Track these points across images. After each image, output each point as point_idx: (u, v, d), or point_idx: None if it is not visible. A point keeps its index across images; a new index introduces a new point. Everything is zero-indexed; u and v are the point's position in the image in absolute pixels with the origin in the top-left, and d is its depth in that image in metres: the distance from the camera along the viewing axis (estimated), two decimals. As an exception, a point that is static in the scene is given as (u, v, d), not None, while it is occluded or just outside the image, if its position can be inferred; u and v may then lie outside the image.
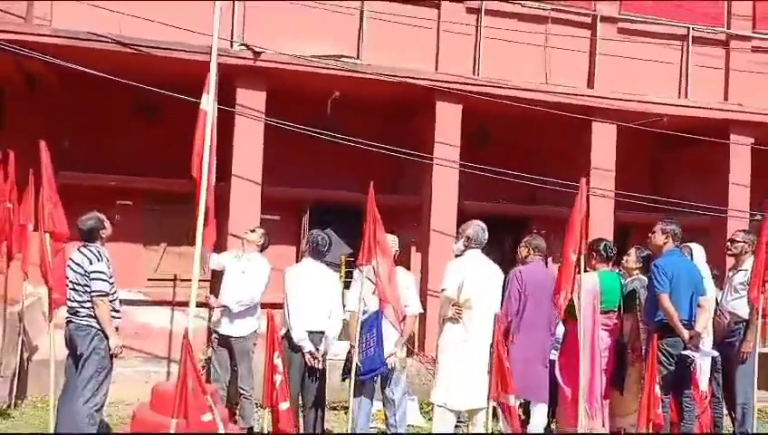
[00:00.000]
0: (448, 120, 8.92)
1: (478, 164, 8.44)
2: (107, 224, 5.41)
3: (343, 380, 5.93)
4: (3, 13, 7.59)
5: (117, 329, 5.35)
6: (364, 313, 5.65)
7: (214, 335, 6.49)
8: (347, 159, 8.55)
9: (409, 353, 7.04)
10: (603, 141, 9.40)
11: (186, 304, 8.10)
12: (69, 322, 5.26)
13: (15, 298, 7.16)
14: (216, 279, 8.49)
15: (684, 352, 5.51)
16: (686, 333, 5.50)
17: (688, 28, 9.91)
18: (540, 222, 10.22)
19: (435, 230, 8.91)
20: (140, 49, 7.62)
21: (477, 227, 5.73)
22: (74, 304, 5.21)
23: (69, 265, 5.18)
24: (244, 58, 8.05)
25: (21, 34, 7.41)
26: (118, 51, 7.63)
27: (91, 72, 7.24)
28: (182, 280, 8.89)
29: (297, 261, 9.47)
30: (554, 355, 6.15)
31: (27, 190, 6.65)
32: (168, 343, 8.72)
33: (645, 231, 6.67)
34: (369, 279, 5.53)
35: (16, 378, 6.94)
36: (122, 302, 5.80)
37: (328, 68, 8.27)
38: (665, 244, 5.80)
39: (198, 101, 5.64)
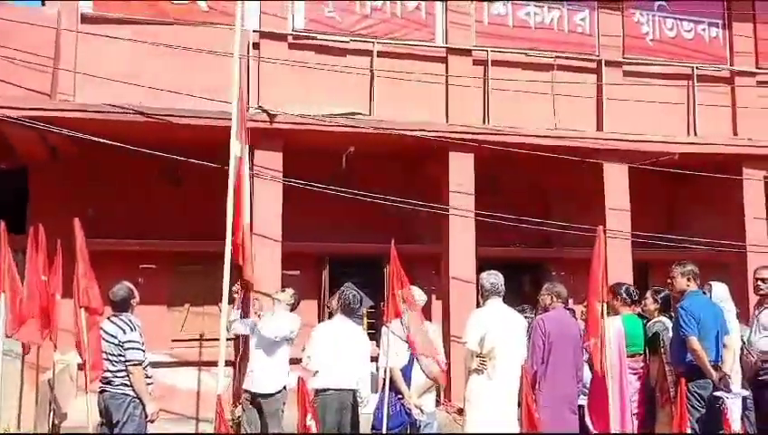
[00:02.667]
0: (461, 169, 9.08)
1: (493, 209, 8.56)
2: (136, 293, 5.57)
3: (373, 435, 5.96)
4: (28, 91, 7.88)
5: (150, 394, 5.44)
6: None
7: (244, 395, 6.54)
8: (363, 211, 8.69)
9: (436, 404, 7.06)
10: (616, 182, 9.50)
11: (211, 363, 8.27)
12: (103, 391, 5.36)
13: (46, 366, 7.27)
14: (239, 339, 8.59)
15: (716, 394, 5.49)
16: (715, 375, 5.50)
17: (692, 67, 10.09)
18: (557, 264, 10.30)
19: (454, 278, 8.98)
20: (161, 118, 7.88)
21: (490, 277, 5.82)
22: (108, 374, 5.31)
23: (102, 336, 5.30)
24: (261, 121, 8.29)
25: (46, 111, 7.70)
26: (139, 121, 7.90)
27: (114, 143, 7.49)
28: (206, 339, 8.99)
29: (319, 314, 9.60)
30: (582, 400, 6.15)
31: (55, 261, 6.81)
32: (195, 403, 8.78)
33: (663, 268, 6.72)
34: (398, 335, 5.60)
35: (48, 446, 6.99)
36: (150, 364, 5.90)
37: (341, 126, 8.49)
38: (688, 286, 5.84)
39: (216, 165, 5.87)
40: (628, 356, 5.95)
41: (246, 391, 6.46)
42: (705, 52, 10.30)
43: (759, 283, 6.45)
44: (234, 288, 6.52)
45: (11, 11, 8.16)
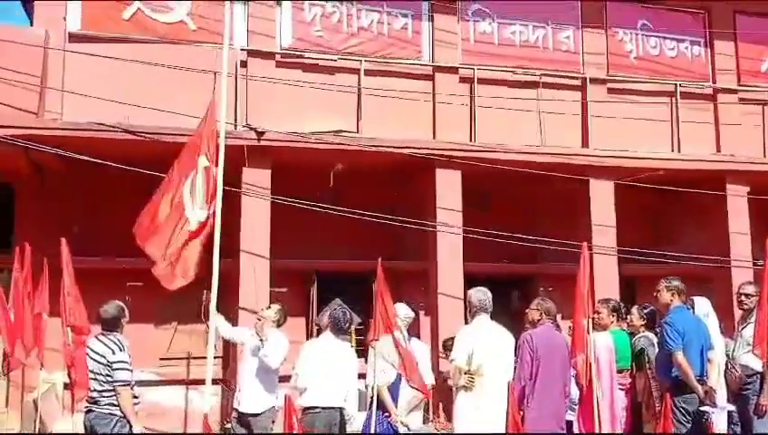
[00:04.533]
0: (449, 186, 9.12)
1: (480, 225, 8.60)
2: (127, 312, 5.53)
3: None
4: (15, 109, 7.86)
5: (137, 414, 5.40)
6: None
7: (233, 414, 6.51)
8: (351, 228, 8.70)
9: (425, 421, 7.06)
10: (601, 198, 9.57)
11: (198, 381, 8.22)
12: (89, 410, 5.31)
13: (32, 386, 7.21)
14: (228, 355, 8.56)
15: (702, 408, 5.53)
16: (701, 390, 5.53)
17: (676, 85, 10.23)
18: (544, 279, 10.33)
19: (442, 294, 9.00)
20: (148, 136, 7.88)
21: (478, 293, 5.85)
22: (94, 394, 5.27)
23: (89, 355, 5.27)
24: (248, 139, 8.31)
25: (33, 129, 7.68)
26: (126, 139, 7.90)
27: (101, 161, 7.47)
28: (194, 358, 8.94)
29: (307, 331, 9.58)
30: (571, 416, 6.17)
31: (41, 279, 6.78)
32: (183, 422, 8.72)
33: (649, 283, 6.76)
34: (384, 353, 5.62)
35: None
36: (136, 383, 5.86)
37: (329, 143, 8.53)
38: (671, 301, 5.89)
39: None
40: (616, 372, 6.00)
41: (235, 409, 6.43)
42: (688, 69, 10.46)
43: (743, 298, 6.52)
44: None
45: (-1, 30, 8.17)
